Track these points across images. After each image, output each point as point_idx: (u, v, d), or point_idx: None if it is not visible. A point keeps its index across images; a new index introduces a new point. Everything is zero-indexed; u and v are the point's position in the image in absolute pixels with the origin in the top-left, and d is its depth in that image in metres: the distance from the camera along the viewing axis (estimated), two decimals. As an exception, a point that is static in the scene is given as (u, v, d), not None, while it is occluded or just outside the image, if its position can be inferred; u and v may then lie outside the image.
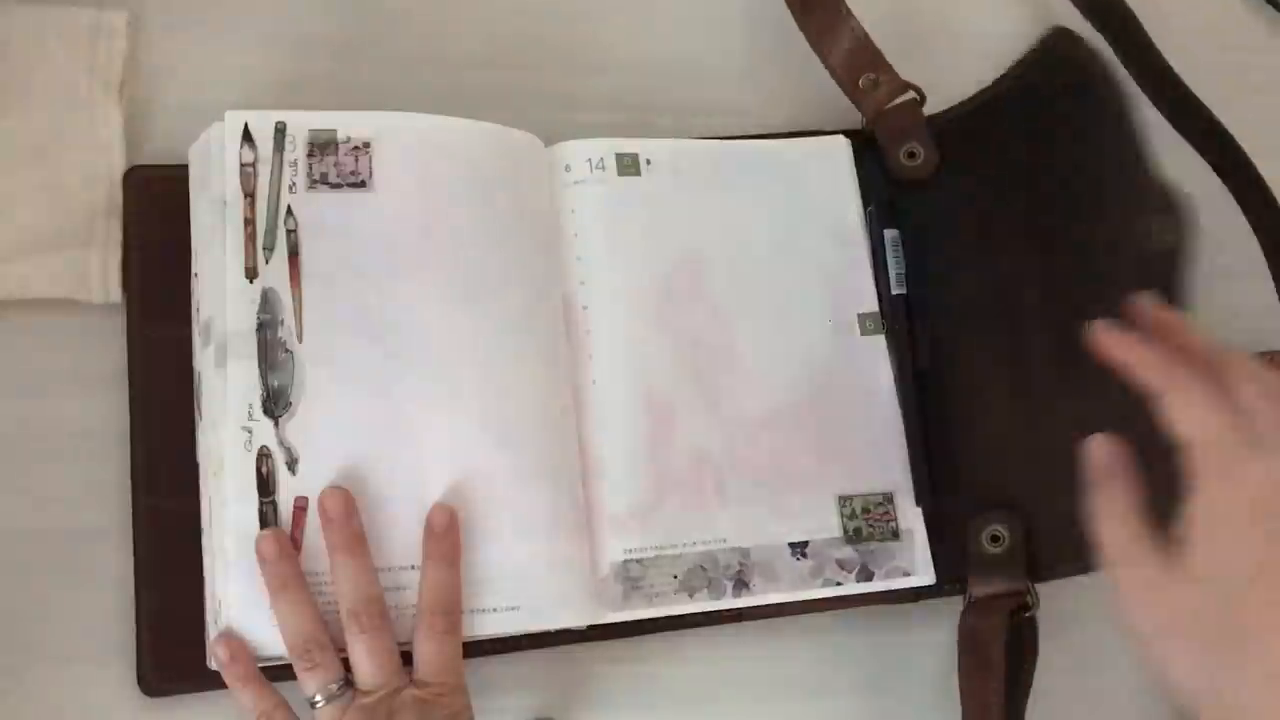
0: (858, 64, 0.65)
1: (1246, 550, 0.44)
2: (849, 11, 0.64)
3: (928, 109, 0.66)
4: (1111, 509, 0.49)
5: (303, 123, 0.57)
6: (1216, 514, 0.45)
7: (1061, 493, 0.61)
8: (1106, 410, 0.53)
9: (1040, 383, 0.63)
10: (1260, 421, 0.46)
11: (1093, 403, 0.56)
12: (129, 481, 0.56)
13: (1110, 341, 0.50)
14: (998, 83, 0.68)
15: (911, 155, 0.66)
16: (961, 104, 0.67)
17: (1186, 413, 0.47)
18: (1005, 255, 0.64)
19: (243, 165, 0.56)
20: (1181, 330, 0.50)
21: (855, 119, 0.67)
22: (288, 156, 0.56)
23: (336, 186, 0.57)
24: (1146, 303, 0.52)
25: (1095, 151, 0.61)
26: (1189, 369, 0.48)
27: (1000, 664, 0.58)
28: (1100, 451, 0.50)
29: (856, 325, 0.63)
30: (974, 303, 0.64)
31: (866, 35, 0.64)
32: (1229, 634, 0.44)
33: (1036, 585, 0.60)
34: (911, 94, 0.65)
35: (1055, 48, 0.65)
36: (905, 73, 0.65)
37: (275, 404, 0.54)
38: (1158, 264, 0.55)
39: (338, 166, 0.57)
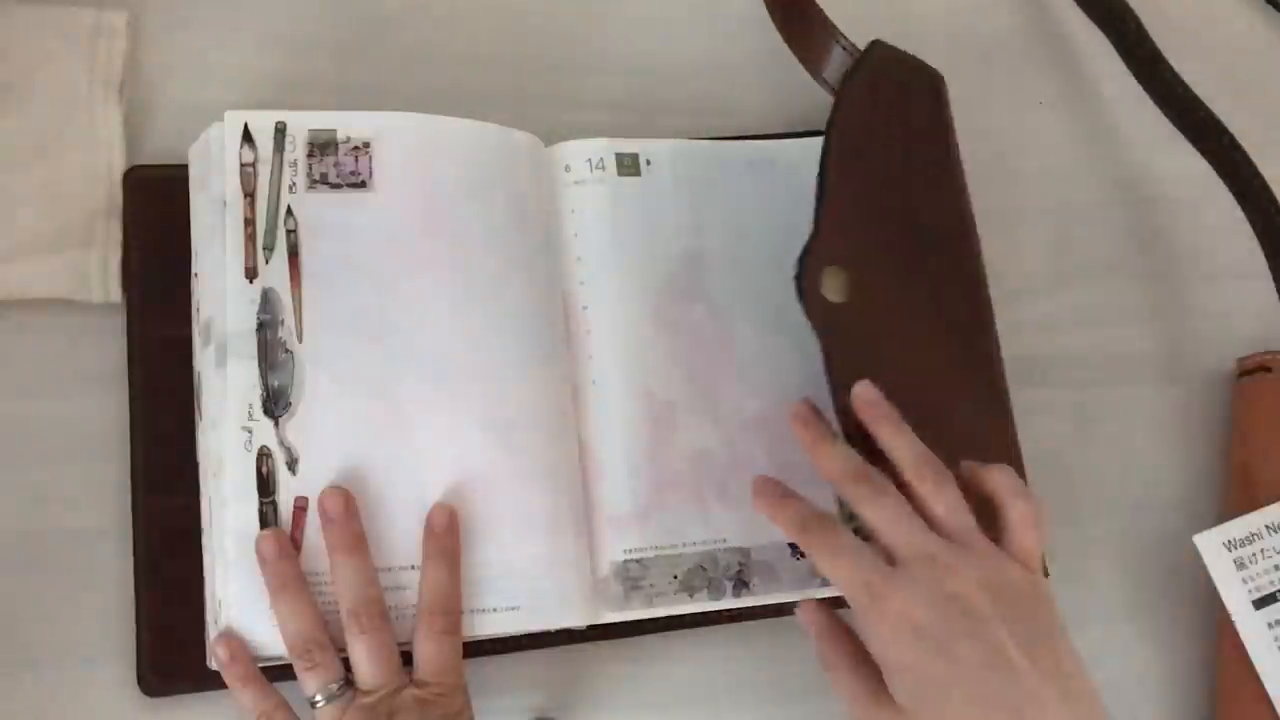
0: (844, 70, 0.64)
1: (923, 676, 0.47)
2: (832, 26, 0.64)
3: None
4: (834, 667, 0.52)
5: (303, 123, 0.57)
6: (887, 650, 0.48)
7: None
8: None
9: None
10: (885, 543, 0.49)
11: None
12: (129, 481, 0.56)
13: (759, 501, 0.54)
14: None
15: (908, 155, 0.65)
16: None
17: (826, 566, 0.50)
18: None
19: (243, 165, 0.56)
20: (820, 446, 0.53)
21: (855, 119, 0.67)
22: (288, 156, 0.56)
23: (336, 186, 0.57)
24: (801, 410, 0.55)
25: None
26: (819, 520, 0.51)
27: None
28: (810, 616, 0.54)
29: (856, 325, 0.63)
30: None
31: (853, 46, 0.64)
32: None
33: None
34: None
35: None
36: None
37: (275, 404, 0.54)
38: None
39: (338, 166, 0.57)
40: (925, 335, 0.59)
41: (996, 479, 0.52)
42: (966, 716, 0.46)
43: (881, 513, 0.50)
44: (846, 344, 0.54)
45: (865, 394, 0.53)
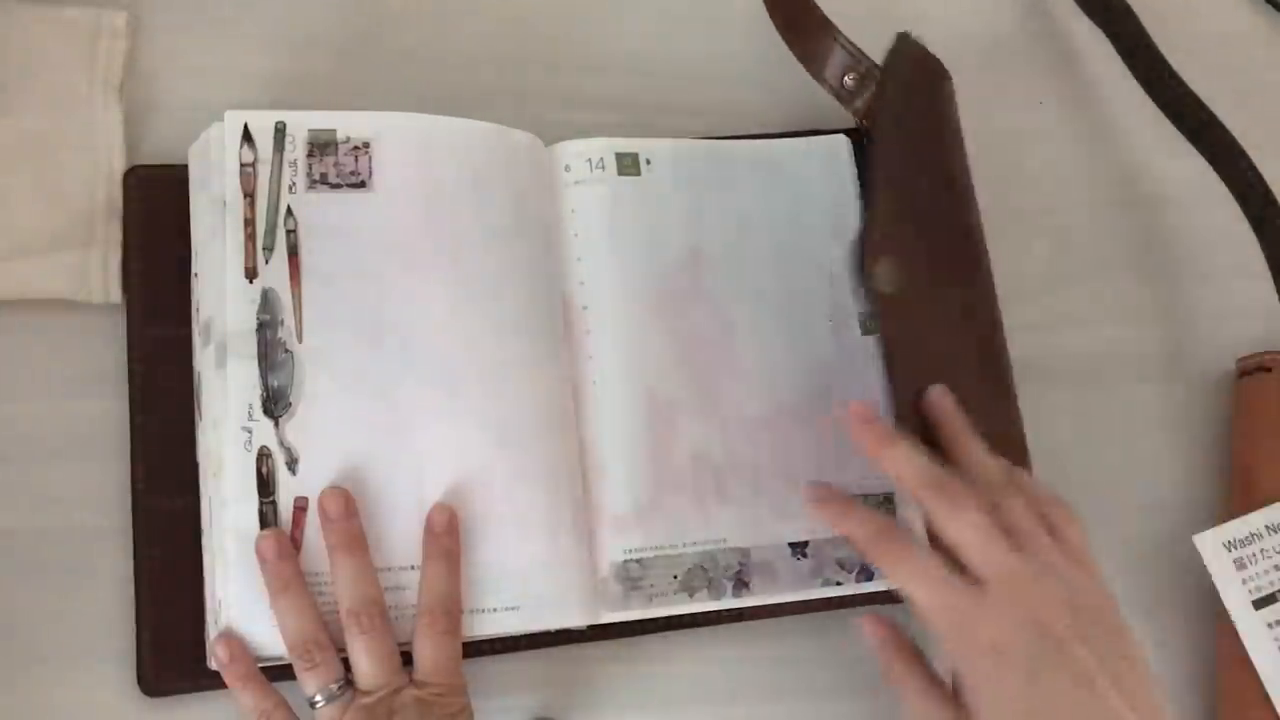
0: (845, 69, 0.65)
1: (1005, 698, 0.47)
2: (833, 26, 0.64)
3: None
4: (901, 678, 0.52)
5: (303, 123, 0.57)
6: (970, 671, 0.48)
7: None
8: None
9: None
10: (966, 559, 0.48)
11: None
12: (129, 481, 0.56)
13: (818, 503, 0.54)
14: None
15: (907, 154, 0.65)
16: None
17: (900, 578, 0.49)
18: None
19: (242, 165, 0.56)
20: (890, 450, 0.51)
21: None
22: (287, 156, 0.56)
23: (336, 186, 0.57)
24: (859, 410, 0.52)
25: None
26: (889, 528, 0.51)
27: None
28: (876, 631, 0.54)
29: (856, 325, 0.63)
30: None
31: (854, 45, 0.64)
32: None
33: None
34: None
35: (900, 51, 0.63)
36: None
37: (275, 404, 0.54)
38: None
39: (337, 166, 0.57)
40: (957, 332, 0.59)
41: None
42: None
43: (963, 530, 0.49)
44: (903, 338, 0.54)
45: (943, 402, 0.53)
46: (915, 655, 0.53)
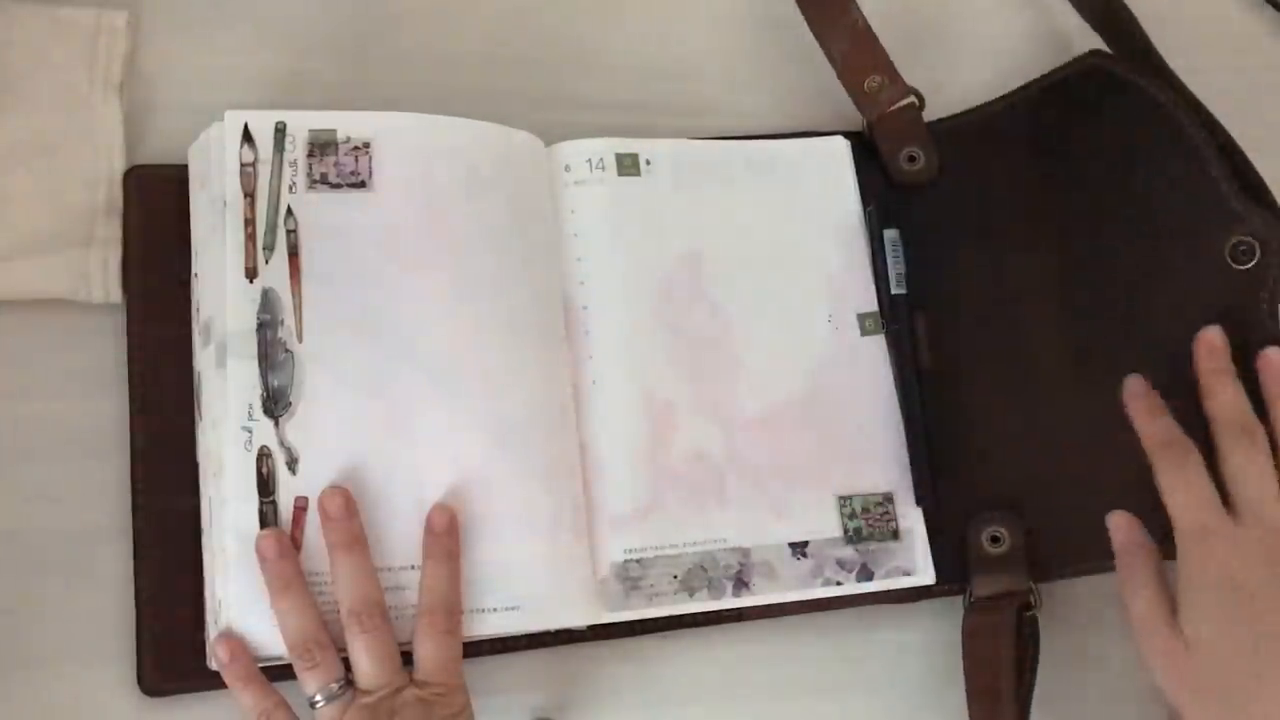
0: (863, 65, 0.65)
1: (1223, 621, 0.51)
2: (858, 10, 0.64)
3: (930, 112, 0.66)
4: (1134, 581, 0.55)
5: (303, 123, 0.57)
6: (1198, 586, 0.53)
7: (1062, 493, 0.61)
8: (1117, 414, 0.59)
9: (1045, 384, 0.63)
10: (1238, 494, 0.53)
11: (1105, 406, 0.60)
12: (129, 481, 0.56)
13: (1133, 401, 0.57)
14: (1020, 91, 0.68)
15: (911, 159, 0.66)
16: (974, 109, 0.68)
17: (1172, 489, 0.54)
18: (1010, 259, 0.64)
19: (242, 165, 0.56)
20: (1221, 382, 0.56)
21: (855, 119, 0.67)
22: (288, 156, 0.56)
23: (336, 186, 0.57)
24: (1213, 338, 0.57)
25: (1149, 174, 0.63)
26: (1182, 445, 0.54)
27: (1011, 660, 0.58)
28: (1122, 526, 0.57)
29: (856, 325, 0.63)
30: (974, 303, 0.64)
31: (875, 36, 0.64)
32: (1226, 696, 0.51)
33: (1038, 585, 0.60)
34: (911, 98, 0.65)
35: (1087, 67, 0.66)
36: (904, 75, 0.65)
37: (275, 404, 0.54)
38: (1237, 283, 0.59)
39: (338, 166, 0.57)
40: None
41: None
42: (1250, 671, 0.50)
43: (1249, 467, 0.53)
44: None
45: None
46: (1157, 565, 0.55)
